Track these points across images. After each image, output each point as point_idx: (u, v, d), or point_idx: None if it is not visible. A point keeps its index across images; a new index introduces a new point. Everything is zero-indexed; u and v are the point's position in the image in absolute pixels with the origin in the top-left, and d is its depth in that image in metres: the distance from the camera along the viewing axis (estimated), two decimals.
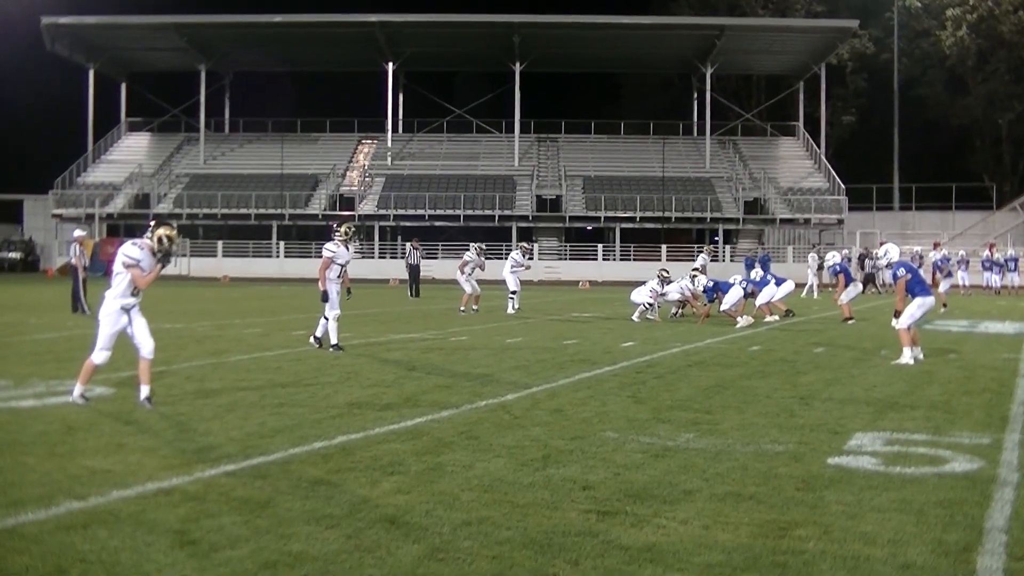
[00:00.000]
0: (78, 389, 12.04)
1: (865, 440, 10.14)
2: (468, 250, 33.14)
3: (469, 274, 31.68)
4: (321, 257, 19.04)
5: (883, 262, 18.79)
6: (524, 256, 34.11)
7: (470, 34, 79.41)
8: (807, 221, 75.12)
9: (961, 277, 53.87)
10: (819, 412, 11.90)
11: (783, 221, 75.20)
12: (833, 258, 30.25)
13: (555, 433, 10.38)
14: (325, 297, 18.59)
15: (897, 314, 17.62)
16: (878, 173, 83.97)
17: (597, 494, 7.79)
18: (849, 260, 57.30)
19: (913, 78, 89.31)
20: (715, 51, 79.34)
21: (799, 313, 31.02)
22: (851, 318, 28.28)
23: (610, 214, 74.47)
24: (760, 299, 28.65)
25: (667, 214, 73.87)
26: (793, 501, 7.65)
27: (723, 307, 27.51)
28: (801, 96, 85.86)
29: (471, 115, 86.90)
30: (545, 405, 12.28)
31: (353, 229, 19.92)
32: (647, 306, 28.16)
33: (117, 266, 12.10)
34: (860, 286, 30.20)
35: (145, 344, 11.96)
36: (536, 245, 71.97)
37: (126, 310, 12.04)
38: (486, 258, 33.17)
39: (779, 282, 29.29)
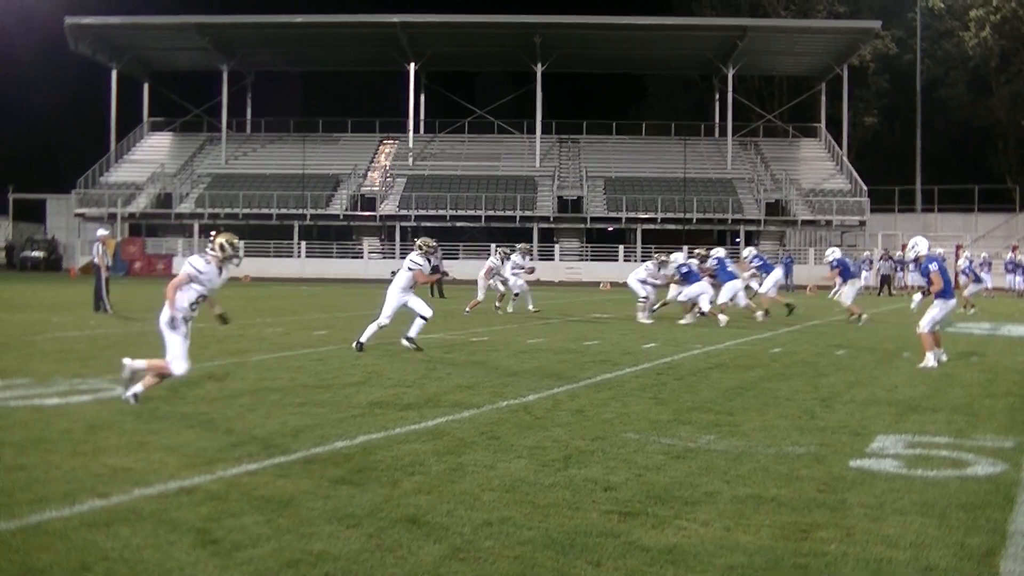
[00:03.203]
0: (137, 388, 11.90)
1: (887, 442, 10.12)
2: (494, 254, 33.11)
3: (493, 279, 31.77)
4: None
5: (911, 255, 18.02)
6: (524, 258, 33.27)
7: (491, 35, 79.52)
8: (828, 223, 75.00)
9: (984, 279, 53.69)
10: (841, 414, 11.87)
11: (804, 223, 75.09)
12: (832, 253, 30.09)
13: (576, 434, 10.37)
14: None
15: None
16: (900, 175, 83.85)
17: (618, 495, 7.79)
18: (870, 263, 57.38)
19: (936, 79, 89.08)
20: (737, 52, 79.22)
21: (822, 315, 30.93)
22: (860, 315, 28.22)
23: (631, 215, 74.50)
24: (722, 296, 28.79)
25: (688, 215, 73.87)
26: (815, 503, 7.63)
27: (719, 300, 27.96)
28: (823, 97, 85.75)
29: (492, 115, 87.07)
30: (566, 406, 12.27)
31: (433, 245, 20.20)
32: (643, 299, 28.36)
33: (182, 278, 12.08)
34: (860, 283, 30.07)
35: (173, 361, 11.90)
36: (557, 246, 71.99)
37: (187, 321, 12.07)
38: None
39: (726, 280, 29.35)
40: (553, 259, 71.37)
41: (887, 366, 17.08)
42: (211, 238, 12.51)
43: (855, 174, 78.07)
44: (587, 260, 73.65)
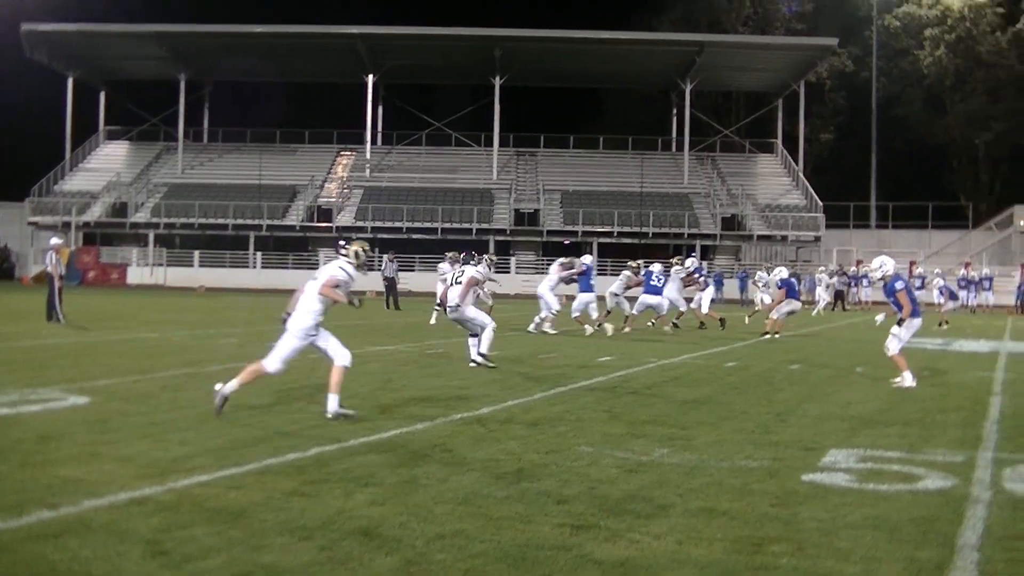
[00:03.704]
0: (232, 385, 12.03)
1: (840, 457, 10.16)
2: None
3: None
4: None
5: (877, 275, 17.57)
6: (490, 269, 33.17)
7: (451, 47, 79.38)
8: (784, 238, 75.35)
9: (937, 296, 54.20)
10: (794, 428, 11.92)
11: (760, 238, 75.43)
12: (780, 272, 30.24)
13: (530, 447, 10.37)
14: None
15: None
16: (856, 191, 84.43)
17: (571, 508, 7.78)
18: (832, 276, 57.71)
19: (892, 97, 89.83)
20: (695, 67, 79.51)
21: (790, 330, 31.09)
22: (775, 333, 28.46)
23: (588, 228, 74.58)
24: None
25: (645, 229, 74.01)
26: (767, 517, 7.66)
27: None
28: (780, 113, 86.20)
29: (450, 128, 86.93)
30: (520, 419, 12.27)
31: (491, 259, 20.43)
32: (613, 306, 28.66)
33: (320, 285, 12.27)
34: (799, 305, 30.22)
35: (342, 355, 12.24)
36: (514, 259, 71.99)
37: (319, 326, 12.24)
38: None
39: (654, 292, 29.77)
40: (509, 272, 71.32)
41: (841, 381, 17.17)
42: (345, 246, 12.69)
43: (811, 190, 78.50)
44: (544, 273, 73.47)
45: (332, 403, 11.96)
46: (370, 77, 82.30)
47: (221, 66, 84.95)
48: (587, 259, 30.01)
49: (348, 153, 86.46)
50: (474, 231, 74.05)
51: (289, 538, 6.80)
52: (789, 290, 29.30)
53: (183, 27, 79.37)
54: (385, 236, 73.31)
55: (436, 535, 6.96)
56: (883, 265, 17.44)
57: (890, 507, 8.05)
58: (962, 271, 59.13)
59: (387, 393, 14.38)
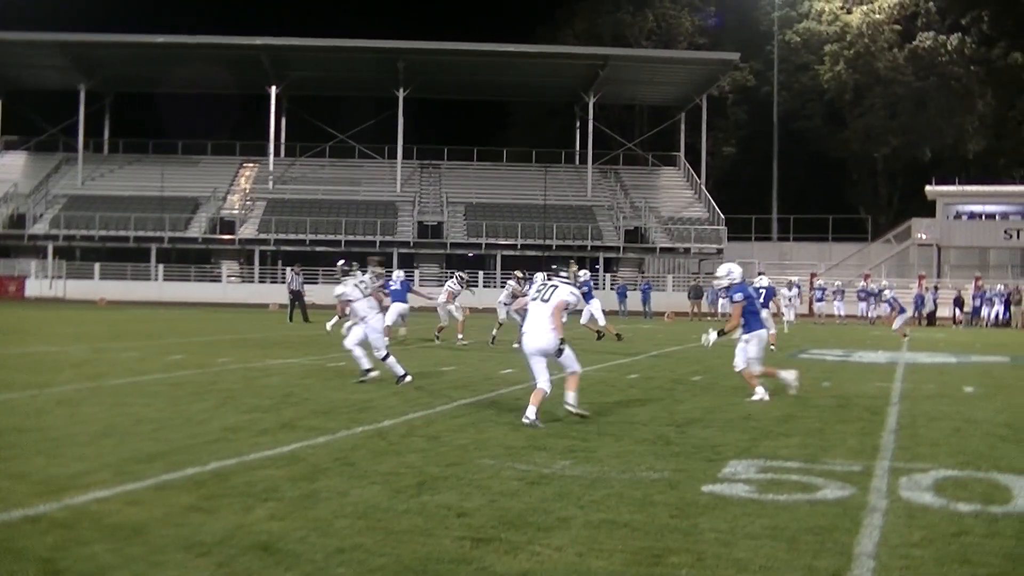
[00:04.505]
0: (531, 411, 12.90)
1: (740, 467, 10.25)
2: (451, 278, 32.94)
3: (455, 303, 31.30)
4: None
5: (724, 282, 17.03)
6: (460, 285, 32.59)
7: (355, 59, 79.18)
8: (687, 250, 75.92)
9: (836, 307, 55.16)
10: (695, 440, 11.99)
11: (663, 250, 75.91)
12: (760, 280, 30.39)
13: (431, 460, 10.36)
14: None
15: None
16: (757, 204, 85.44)
17: (472, 521, 7.79)
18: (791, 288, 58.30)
19: (793, 111, 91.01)
20: (599, 81, 79.98)
21: (682, 341, 31.30)
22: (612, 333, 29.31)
23: (491, 241, 74.63)
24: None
25: (548, 242, 74.20)
26: (667, 528, 7.70)
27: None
28: (683, 127, 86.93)
29: (354, 140, 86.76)
30: (422, 432, 12.26)
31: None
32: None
33: (552, 307, 13.56)
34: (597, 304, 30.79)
35: (574, 365, 13.70)
36: (417, 271, 71.81)
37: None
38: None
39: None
40: (412, 284, 71.07)
41: (743, 392, 17.27)
42: (568, 266, 13.71)
43: (713, 203, 79.25)
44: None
45: (570, 398, 13.49)
46: (273, 89, 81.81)
47: (123, 76, 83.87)
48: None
49: (251, 165, 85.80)
50: (378, 243, 73.70)
51: (187, 554, 6.73)
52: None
53: (85, 36, 78.08)
54: (288, 248, 72.95)
55: (336, 549, 6.93)
56: (730, 273, 17.06)
57: (789, 517, 8.13)
58: (862, 283, 59.96)
59: (288, 407, 14.28)
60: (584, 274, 31.01)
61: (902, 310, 39.14)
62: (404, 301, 29.19)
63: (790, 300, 44.43)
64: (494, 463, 10.24)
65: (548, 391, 13.34)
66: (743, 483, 9.48)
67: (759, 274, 33.73)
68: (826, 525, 7.88)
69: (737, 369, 16.83)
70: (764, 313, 31.25)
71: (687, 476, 9.74)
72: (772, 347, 29.00)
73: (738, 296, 16.61)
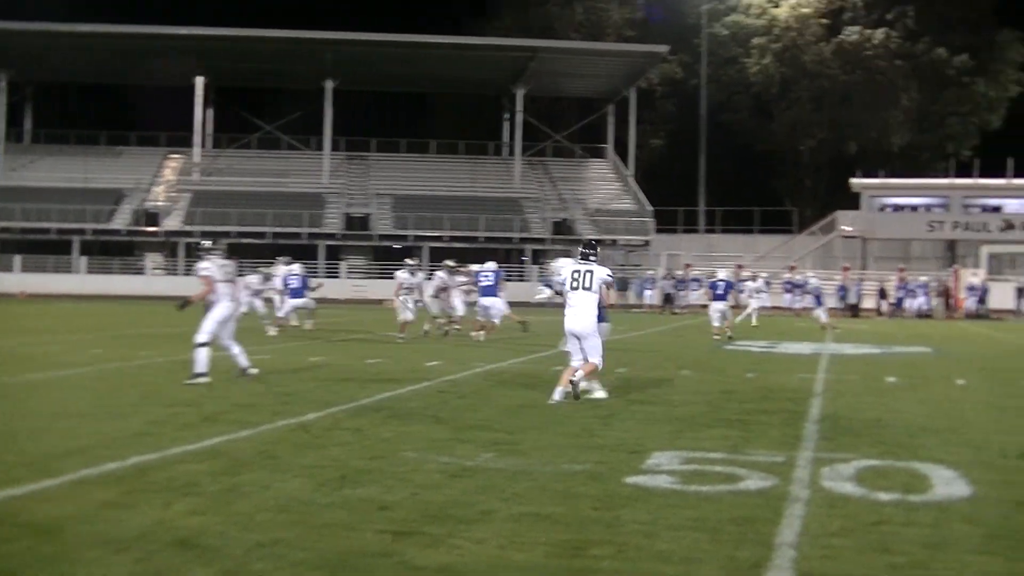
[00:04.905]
0: (599, 390, 14.86)
1: (663, 459, 10.24)
2: (401, 269, 30.17)
3: (406, 297, 28.99)
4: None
5: (558, 277, 16.73)
6: (413, 275, 30.20)
7: (283, 50, 78.39)
8: (614, 242, 76.15)
9: (763, 298, 55.42)
10: (619, 431, 12.01)
11: None
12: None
13: (354, 453, 10.30)
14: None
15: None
16: (685, 196, 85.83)
17: (394, 515, 7.74)
18: (653, 281, 58.80)
19: (720, 104, 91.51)
20: (527, 73, 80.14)
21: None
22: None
23: (419, 233, 74.40)
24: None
25: (476, 233, 74.19)
26: (590, 520, 7.68)
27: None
28: (611, 119, 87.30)
29: (282, 132, 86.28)
30: (346, 425, 12.19)
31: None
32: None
33: (600, 287, 15.05)
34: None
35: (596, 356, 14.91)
36: (344, 263, 71.53)
37: None
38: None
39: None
40: (339, 277, 70.88)
41: (667, 384, 17.35)
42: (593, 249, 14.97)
43: (641, 195, 79.65)
44: (375, 278, 73.31)
45: (597, 390, 15.06)
46: (200, 79, 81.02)
47: (45, 66, 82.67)
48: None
49: (177, 156, 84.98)
50: (305, 236, 73.45)
51: (104, 551, 6.62)
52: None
53: (4, 25, 76.94)
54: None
55: (256, 544, 6.85)
56: (563, 268, 16.30)
57: (711, 508, 8.14)
58: (787, 274, 60.41)
59: (211, 401, 14.15)
60: (491, 266, 30.15)
61: (819, 301, 39.59)
62: (302, 296, 29.10)
63: (757, 292, 44.52)
64: (417, 456, 10.18)
65: (600, 364, 14.99)
66: (666, 474, 9.48)
67: (738, 269, 33.86)
68: (748, 516, 7.89)
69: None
70: (721, 305, 31.67)
71: (610, 468, 9.72)
72: (717, 337, 29.24)
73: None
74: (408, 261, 30.05)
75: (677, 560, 6.69)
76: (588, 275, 14.93)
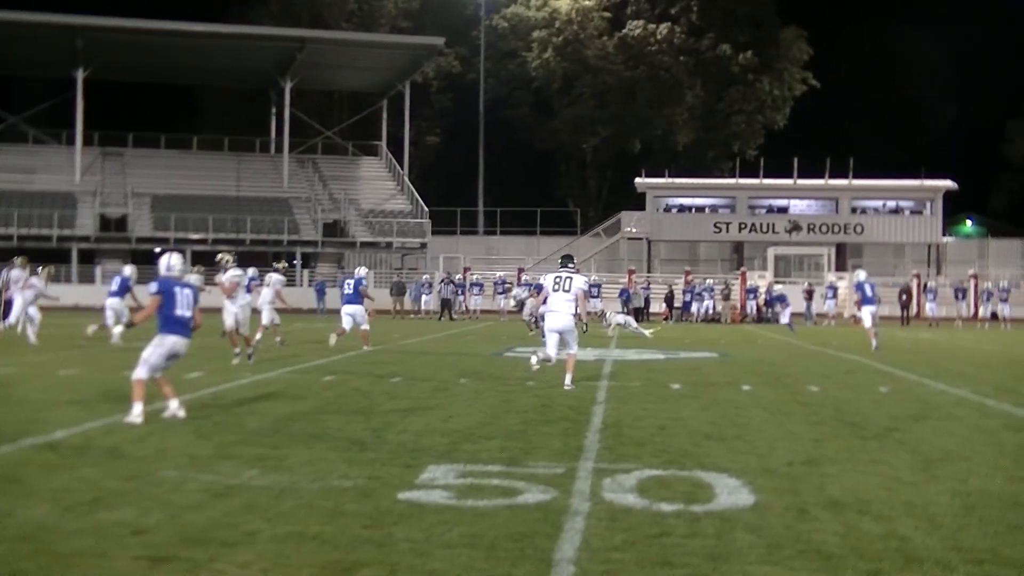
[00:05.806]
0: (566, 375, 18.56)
1: (438, 473, 10.30)
2: (275, 272, 31.65)
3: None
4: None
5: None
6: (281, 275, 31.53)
7: (28, 35, 75.92)
8: (389, 245, 76.24)
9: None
10: (392, 445, 12.02)
11: (364, 244, 75.99)
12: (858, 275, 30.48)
13: (109, 473, 10.09)
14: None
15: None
16: (463, 196, 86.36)
17: (151, 539, 7.62)
18: (430, 286, 59.13)
19: (500, 99, 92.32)
20: (296, 64, 79.43)
21: (384, 341, 31.35)
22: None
23: (180, 235, 72.95)
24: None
25: (242, 236, 73.26)
26: (359, 539, 7.69)
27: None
28: (385, 115, 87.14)
29: (28, 124, 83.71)
30: (100, 443, 11.94)
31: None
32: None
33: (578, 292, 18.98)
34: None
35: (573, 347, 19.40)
36: (99, 268, 69.84)
37: None
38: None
39: None
40: (95, 283, 69.03)
41: (443, 394, 17.43)
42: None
43: (416, 195, 79.81)
44: (135, 284, 71.69)
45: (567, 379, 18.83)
46: None
47: None
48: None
49: None
50: (55, 238, 71.47)
51: None
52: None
53: None
54: None
55: None
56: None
57: (488, 523, 8.21)
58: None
59: None
60: (362, 271, 30.39)
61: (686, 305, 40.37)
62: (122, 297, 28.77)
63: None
64: (177, 475, 10.05)
65: (575, 353, 19.66)
66: (441, 489, 9.54)
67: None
68: (526, 531, 7.98)
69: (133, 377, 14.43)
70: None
71: (382, 483, 9.73)
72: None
73: (152, 288, 14.93)
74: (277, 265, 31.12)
75: None
76: (568, 280, 19.03)
